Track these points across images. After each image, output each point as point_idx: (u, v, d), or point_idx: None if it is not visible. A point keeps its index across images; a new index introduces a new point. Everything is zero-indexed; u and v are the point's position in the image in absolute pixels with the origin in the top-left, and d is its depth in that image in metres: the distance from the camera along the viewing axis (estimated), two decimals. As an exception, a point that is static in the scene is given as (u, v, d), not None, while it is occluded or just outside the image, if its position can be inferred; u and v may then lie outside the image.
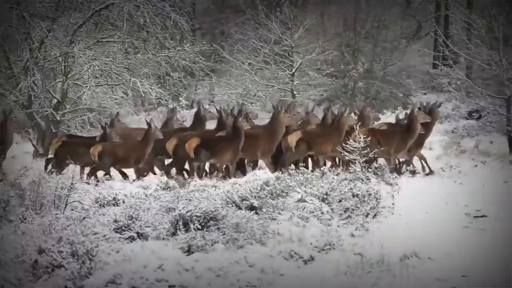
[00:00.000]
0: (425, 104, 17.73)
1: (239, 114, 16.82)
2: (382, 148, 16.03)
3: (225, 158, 16.32)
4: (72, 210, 10.74)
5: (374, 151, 15.26)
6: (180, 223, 9.03)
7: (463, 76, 28.02)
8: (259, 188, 11.26)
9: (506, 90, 25.01)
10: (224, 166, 16.64)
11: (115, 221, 9.18)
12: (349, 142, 15.02)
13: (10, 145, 17.26)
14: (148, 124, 16.25)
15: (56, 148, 16.86)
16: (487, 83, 29.75)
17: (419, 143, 17.19)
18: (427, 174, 16.90)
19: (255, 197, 10.76)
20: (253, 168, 17.22)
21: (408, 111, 17.51)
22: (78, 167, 16.32)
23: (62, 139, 17.25)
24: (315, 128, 17.29)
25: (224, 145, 16.26)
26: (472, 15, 29.27)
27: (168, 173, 16.64)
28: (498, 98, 24.62)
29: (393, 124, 18.14)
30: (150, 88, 20.81)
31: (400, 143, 16.70)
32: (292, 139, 16.51)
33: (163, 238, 8.89)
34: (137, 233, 8.97)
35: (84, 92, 21.08)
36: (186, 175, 16.30)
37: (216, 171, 16.83)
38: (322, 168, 15.41)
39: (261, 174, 15.15)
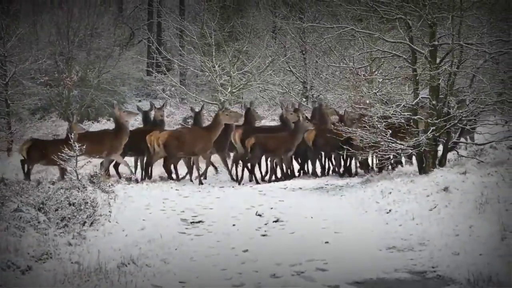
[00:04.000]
0: None
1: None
2: None
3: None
4: None
5: None
6: None
7: (177, 83, 28.62)
8: (-29, 199, 10.77)
9: (219, 96, 25.84)
10: None
11: None
12: (64, 151, 14.69)
13: None
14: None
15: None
16: (201, 89, 30.65)
17: None
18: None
19: (-32, 208, 10.27)
20: None
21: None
22: None
23: None
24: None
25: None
26: (184, 22, 30.02)
27: None
28: (211, 104, 25.34)
29: None
30: None
31: None
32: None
33: None
34: None
35: None
36: None
37: None
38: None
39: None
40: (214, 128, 17.23)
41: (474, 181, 11.43)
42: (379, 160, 15.95)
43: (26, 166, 16.24)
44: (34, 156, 16.15)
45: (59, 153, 14.76)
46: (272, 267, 8.60)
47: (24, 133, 22.17)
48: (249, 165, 17.07)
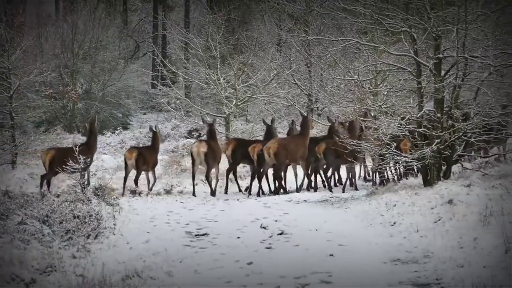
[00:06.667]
0: None
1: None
2: None
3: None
4: None
5: None
6: None
7: (182, 96, 28.50)
8: (-25, 212, 10.78)
9: (224, 109, 25.79)
10: None
11: None
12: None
13: None
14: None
15: None
16: (206, 102, 30.56)
17: None
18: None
19: (-29, 221, 10.28)
20: None
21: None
22: None
23: None
24: None
25: None
26: (189, 34, 29.98)
27: None
28: (217, 116, 25.26)
29: None
30: None
31: None
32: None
33: None
34: None
35: None
36: None
37: None
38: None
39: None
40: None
41: (478, 193, 11.42)
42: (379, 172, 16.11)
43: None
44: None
45: None
46: (277, 279, 8.58)
47: (28, 146, 22.15)
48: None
